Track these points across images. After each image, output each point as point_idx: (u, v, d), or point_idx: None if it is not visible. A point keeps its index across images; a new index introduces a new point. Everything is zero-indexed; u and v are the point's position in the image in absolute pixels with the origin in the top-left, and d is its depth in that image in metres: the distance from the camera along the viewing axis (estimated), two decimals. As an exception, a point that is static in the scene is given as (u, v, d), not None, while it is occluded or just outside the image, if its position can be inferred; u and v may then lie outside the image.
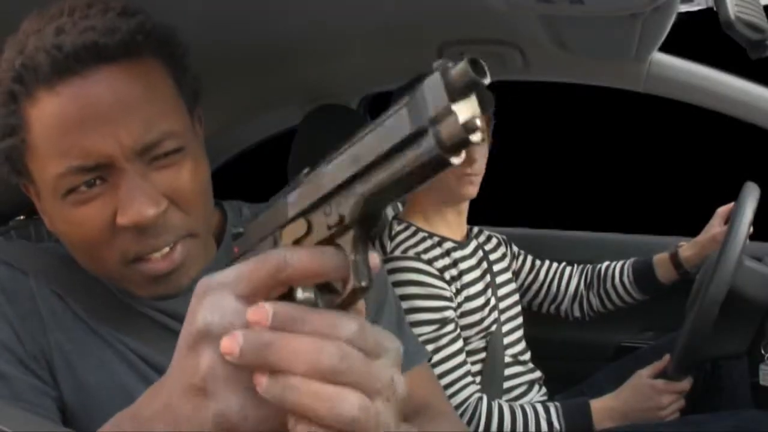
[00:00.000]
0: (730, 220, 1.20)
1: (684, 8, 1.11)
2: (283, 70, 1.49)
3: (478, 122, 0.31)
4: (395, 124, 0.33)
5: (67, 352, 0.69)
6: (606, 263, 1.51)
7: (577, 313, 1.53)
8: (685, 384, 1.23)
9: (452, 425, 0.90)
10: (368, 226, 0.37)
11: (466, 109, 0.31)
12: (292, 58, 1.43)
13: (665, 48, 1.27)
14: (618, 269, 1.48)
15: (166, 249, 0.64)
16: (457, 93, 0.31)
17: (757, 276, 1.18)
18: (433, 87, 0.32)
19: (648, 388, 1.24)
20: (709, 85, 1.33)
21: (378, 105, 1.84)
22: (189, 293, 0.72)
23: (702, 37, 1.60)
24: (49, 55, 0.59)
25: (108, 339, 0.70)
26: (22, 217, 0.93)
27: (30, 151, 0.63)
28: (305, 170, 0.40)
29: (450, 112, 0.31)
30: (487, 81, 0.32)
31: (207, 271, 0.72)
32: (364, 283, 0.37)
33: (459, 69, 0.32)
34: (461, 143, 0.31)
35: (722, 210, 1.37)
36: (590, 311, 1.52)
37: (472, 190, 1.32)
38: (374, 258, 0.38)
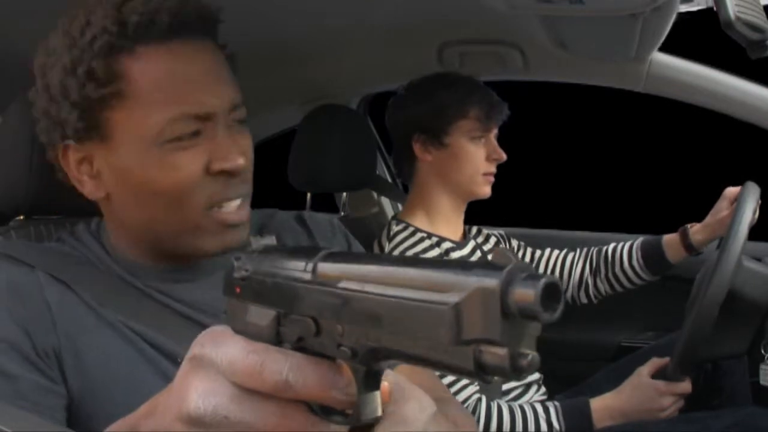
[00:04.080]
0: (730, 220, 1.19)
1: (684, 8, 1.11)
2: (283, 70, 1.49)
3: (530, 361, 0.28)
4: (433, 316, 0.29)
5: (75, 343, 0.69)
6: (612, 245, 1.50)
7: (584, 300, 1.51)
8: (687, 385, 1.22)
9: (460, 409, 0.92)
10: (383, 367, 0.35)
11: (522, 343, 0.28)
12: (292, 58, 1.43)
13: (665, 48, 1.27)
14: (626, 253, 1.46)
15: (239, 201, 0.73)
16: (514, 317, 0.27)
17: (757, 276, 1.17)
18: (487, 298, 0.28)
19: (650, 389, 1.23)
20: (709, 85, 1.33)
21: (378, 105, 1.84)
22: (200, 282, 0.76)
23: (702, 37, 1.60)
24: (171, 14, 0.67)
25: (117, 326, 0.71)
26: (21, 218, 0.93)
27: (123, 101, 0.68)
28: (326, 251, 0.37)
29: (500, 345, 0.28)
30: (555, 317, 0.27)
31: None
32: (371, 418, 0.35)
33: (525, 293, 0.27)
34: (502, 374, 0.28)
35: (729, 191, 1.34)
36: (597, 296, 1.50)
37: (489, 190, 1.38)
38: (385, 388, 0.36)
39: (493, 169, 1.37)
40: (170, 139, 0.69)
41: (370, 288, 0.33)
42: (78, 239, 0.79)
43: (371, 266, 0.34)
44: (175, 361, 0.70)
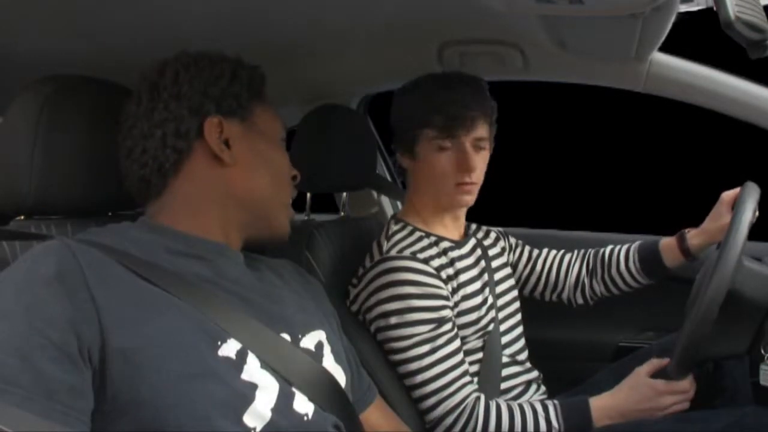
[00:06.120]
0: (730, 220, 1.19)
1: (684, 8, 1.11)
2: (283, 70, 1.49)
3: None
4: None
5: (118, 334, 0.71)
6: (609, 247, 1.49)
7: (580, 301, 1.51)
8: (686, 384, 1.22)
9: None
10: None
11: None
12: (292, 58, 1.43)
13: (665, 48, 1.27)
14: (623, 256, 1.45)
15: None
16: None
17: (757, 276, 1.17)
18: None
19: (647, 389, 1.23)
20: (709, 85, 1.33)
21: (378, 105, 1.84)
22: (237, 262, 0.91)
23: (702, 37, 1.60)
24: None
25: (165, 311, 0.76)
26: (22, 218, 0.93)
27: (263, 102, 0.97)
28: None
29: None
30: None
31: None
32: None
33: None
34: None
35: (727, 195, 1.34)
36: (593, 297, 1.50)
37: (469, 199, 1.33)
38: None
39: (466, 179, 1.28)
40: (282, 139, 1.00)
41: None
42: (109, 231, 0.84)
43: None
44: (224, 340, 0.78)
